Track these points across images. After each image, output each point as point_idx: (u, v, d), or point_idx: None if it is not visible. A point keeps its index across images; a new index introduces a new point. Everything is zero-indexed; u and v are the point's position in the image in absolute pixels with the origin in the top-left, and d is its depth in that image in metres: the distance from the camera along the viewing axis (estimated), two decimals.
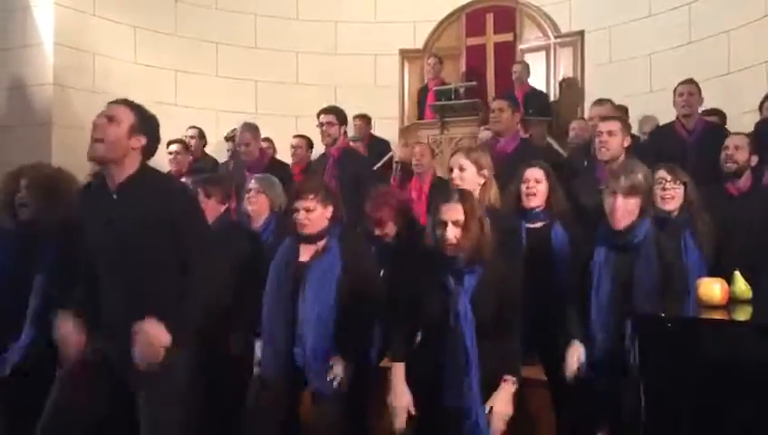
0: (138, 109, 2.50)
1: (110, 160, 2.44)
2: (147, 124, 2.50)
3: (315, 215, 2.96)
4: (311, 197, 2.96)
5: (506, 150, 4.29)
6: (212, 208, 3.41)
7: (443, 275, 2.55)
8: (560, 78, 7.17)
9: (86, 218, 2.52)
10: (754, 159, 3.75)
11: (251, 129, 4.98)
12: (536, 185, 3.21)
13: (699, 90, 4.61)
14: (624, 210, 2.73)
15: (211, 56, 7.23)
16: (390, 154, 6.20)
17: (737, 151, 3.72)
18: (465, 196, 2.60)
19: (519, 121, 4.76)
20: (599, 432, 2.98)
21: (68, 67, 6.24)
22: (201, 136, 5.47)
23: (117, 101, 2.50)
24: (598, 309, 2.75)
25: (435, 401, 2.52)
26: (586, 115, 6.09)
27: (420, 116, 7.01)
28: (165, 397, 2.41)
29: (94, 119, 2.45)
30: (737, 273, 2.50)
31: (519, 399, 3.41)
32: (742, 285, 2.47)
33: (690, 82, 4.63)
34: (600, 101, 4.87)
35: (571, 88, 7.12)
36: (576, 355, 2.73)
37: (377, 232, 3.44)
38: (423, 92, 7.09)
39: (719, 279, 2.43)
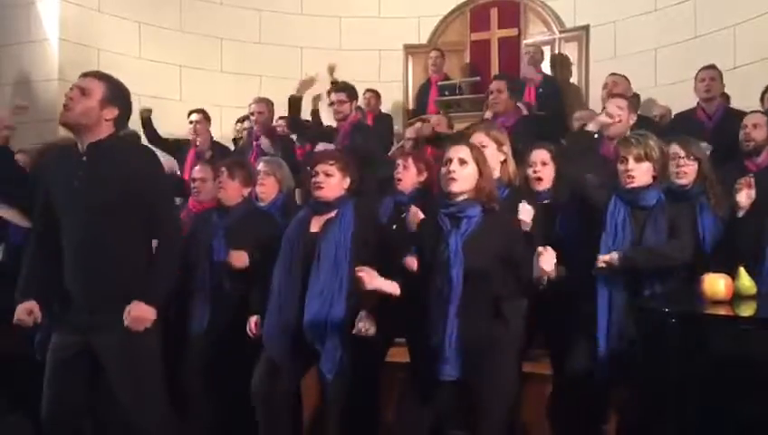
0: (109, 80, 2.56)
1: (82, 127, 2.51)
2: (118, 96, 2.57)
3: (333, 180, 2.99)
4: (331, 162, 3.00)
5: (505, 126, 4.32)
6: (235, 190, 3.45)
7: (439, 216, 2.57)
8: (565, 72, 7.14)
9: (55, 181, 2.58)
10: None
11: (265, 100, 5.21)
12: (543, 168, 3.22)
13: (721, 75, 4.67)
14: (636, 172, 2.80)
15: (216, 52, 7.23)
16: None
17: (755, 129, 3.80)
18: (473, 143, 2.69)
19: (516, 103, 4.80)
20: (604, 426, 3.00)
21: (73, 63, 6.24)
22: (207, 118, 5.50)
23: (88, 73, 2.58)
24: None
25: (425, 366, 2.51)
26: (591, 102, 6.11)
27: (420, 111, 6.98)
28: (132, 366, 2.51)
29: (66, 91, 2.53)
30: (742, 269, 2.50)
31: (525, 394, 3.45)
32: (746, 281, 2.47)
33: (712, 67, 4.72)
34: (615, 75, 4.93)
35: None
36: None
37: (398, 186, 3.49)
38: (425, 87, 7.07)
39: (724, 275, 2.43)
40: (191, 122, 5.30)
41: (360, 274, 2.52)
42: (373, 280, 2.53)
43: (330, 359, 2.84)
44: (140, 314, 2.47)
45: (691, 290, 2.56)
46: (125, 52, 6.66)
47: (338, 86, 4.87)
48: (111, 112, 2.53)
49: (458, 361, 2.44)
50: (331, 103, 4.80)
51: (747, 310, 2.35)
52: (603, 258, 2.77)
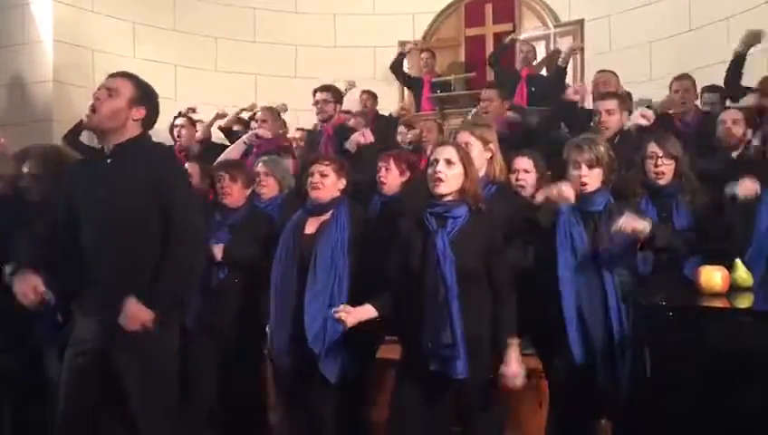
0: (137, 81, 2.54)
1: (109, 129, 2.48)
2: (146, 96, 2.54)
3: (329, 181, 3.01)
4: (326, 163, 3.03)
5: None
6: (239, 193, 3.51)
7: (424, 215, 2.57)
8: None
9: (79, 186, 2.54)
10: (750, 134, 3.80)
11: (271, 110, 5.15)
12: (526, 176, 3.25)
13: (694, 83, 4.66)
14: (589, 178, 2.82)
15: (210, 51, 7.22)
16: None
17: (735, 125, 3.80)
18: (459, 144, 2.72)
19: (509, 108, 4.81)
20: (600, 422, 3.00)
21: (67, 64, 6.24)
22: (192, 124, 5.51)
23: (116, 74, 2.54)
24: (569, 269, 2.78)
25: (421, 365, 2.51)
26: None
27: (414, 110, 6.97)
28: (151, 378, 2.44)
29: (94, 91, 2.49)
30: (738, 261, 2.50)
31: (525, 388, 3.43)
32: (743, 273, 2.47)
33: (685, 77, 4.68)
34: (604, 71, 4.94)
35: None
36: None
37: (382, 188, 3.51)
38: (417, 87, 7.05)
39: (720, 267, 2.43)
40: (175, 126, 5.32)
41: (337, 316, 2.55)
42: (350, 317, 2.57)
43: (332, 363, 2.85)
44: (134, 312, 2.35)
45: (688, 283, 2.57)
46: (119, 52, 6.65)
47: (322, 86, 4.88)
48: (139, 113, 2.50)
49: (467, 359, 2.46)
50: (316, 103, 4.81)
51: (744, 302, 2.36)
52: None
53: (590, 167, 2.83)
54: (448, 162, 2.57)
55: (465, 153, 2.65)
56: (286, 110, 5.76)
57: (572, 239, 2.78)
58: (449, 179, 2.56)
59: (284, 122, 5.77)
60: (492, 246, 2.58)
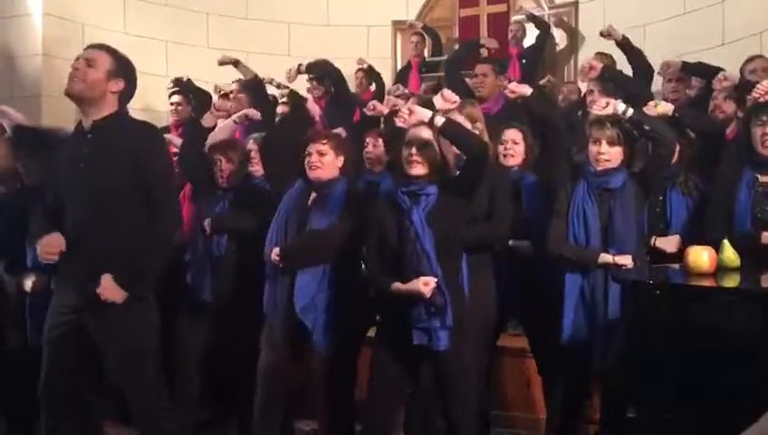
0: (116, 54, 2.54)
1: (87, 99, 2.48)
2: (125, 69, 2.55)
3: (328, 159, 2.99)
4: (323, 141, 3.01)
5: (491, 112, 4.32)
6: (235, 171, 3.50)
7: (398, 195, 2.59)
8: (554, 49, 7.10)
9: (60, 160, 2.56)
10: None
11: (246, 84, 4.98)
12: (514, 146, 3.30)
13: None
14: (608, 155, 2.84)
15: (202, 27, 7.14)
16: None
17: (725, 102, 3.81)
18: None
19: (504, 84, 4.78)
20: (587, 401, 3.03)
21: (57, 38, 6.16)
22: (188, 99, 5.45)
23: (95, 46, 2.56)
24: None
25: (401, 340, 2.52)
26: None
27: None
28: (128, 347, 2.49)
29: (73, 62, 2.50)
30: (726, 241, 2.51)
31: (513, 368, 3.49)
32: (730, 254, 2.49)
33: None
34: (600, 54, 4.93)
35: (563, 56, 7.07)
36: None
37: (368, 165, 3.55)
38: (405, 70, 6.99)
39: (707, 247, 2.45)
40: (172, 104, 5.28)
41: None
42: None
43: (321, 332, 2.86)
44: (107, 291, 2.41)
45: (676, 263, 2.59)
46: (110, 26, 6.55)
47: (309, 67, 5.04)
48: (117, 85, 2.52)
49: (450, 332, 2.47)
50: (310, 80, 4.99)
51: (730, 282, 2.37)
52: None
53: (611, 144, 2.83)
54: (424, 144, 2.57)
55: (436, 133, 2.63)
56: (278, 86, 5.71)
57: (585, 217, 2.81)
58: (424, 161, 2.56)
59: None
60: (461, 218, 2.61)
